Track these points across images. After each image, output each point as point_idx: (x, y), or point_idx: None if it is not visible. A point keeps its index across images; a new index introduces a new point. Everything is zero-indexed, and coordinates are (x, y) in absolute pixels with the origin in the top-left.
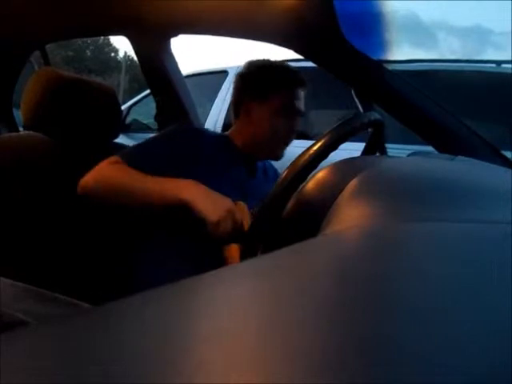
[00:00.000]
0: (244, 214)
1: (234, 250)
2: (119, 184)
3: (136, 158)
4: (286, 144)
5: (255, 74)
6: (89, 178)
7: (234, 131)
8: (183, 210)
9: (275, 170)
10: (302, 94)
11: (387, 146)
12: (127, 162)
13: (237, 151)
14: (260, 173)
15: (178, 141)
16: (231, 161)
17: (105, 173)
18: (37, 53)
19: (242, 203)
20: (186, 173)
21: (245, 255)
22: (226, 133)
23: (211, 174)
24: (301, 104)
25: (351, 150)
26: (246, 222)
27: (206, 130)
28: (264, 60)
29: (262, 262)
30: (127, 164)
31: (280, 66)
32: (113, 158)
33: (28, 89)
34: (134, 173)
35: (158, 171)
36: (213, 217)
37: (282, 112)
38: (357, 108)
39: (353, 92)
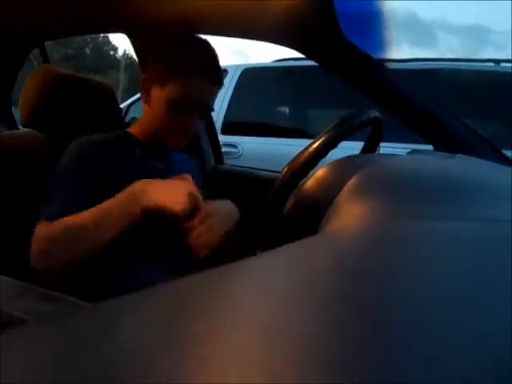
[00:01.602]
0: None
1: (196, 234)
2: (67, 236)
3: (59, 208)
4: (182, 137)
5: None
6: (34, 251)
7: (136, 122)
8: (149, 216)
9: (195, 164)
10: (206, 86)
11: (387, 144)
12: (54, 215)
13: (139, 143)
14: (174, 163)
15: (82, 163)
16: (135, 156)
17: (45, 236)
18: (36, 51)
19: (186, 175)
20: (108, 187)
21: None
22: (127, 129)
23: (124, 178)
24: (204, 98)
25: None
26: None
27: (102, 136)
28: (182, 38)
29: (262, 260)
30: (56, 217)
31: (194, 48)
32: (39, 225)
33: (26, 87)
34: (71, 218)
35: (84, 202)
36: (178, 207)
37: (174, 103)
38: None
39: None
